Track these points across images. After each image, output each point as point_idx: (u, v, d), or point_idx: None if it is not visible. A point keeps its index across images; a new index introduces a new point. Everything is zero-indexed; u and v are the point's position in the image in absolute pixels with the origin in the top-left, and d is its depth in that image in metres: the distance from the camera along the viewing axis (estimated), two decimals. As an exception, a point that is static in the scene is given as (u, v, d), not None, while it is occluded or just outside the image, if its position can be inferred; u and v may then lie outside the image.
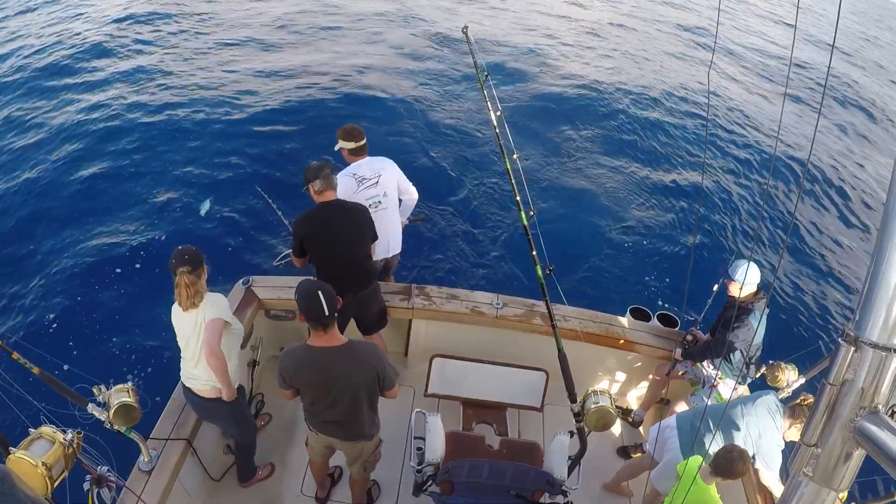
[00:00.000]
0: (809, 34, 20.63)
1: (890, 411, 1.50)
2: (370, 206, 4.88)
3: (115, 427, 3.45)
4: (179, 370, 4.14)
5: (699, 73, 16.46)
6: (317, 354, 3.41)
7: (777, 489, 4.12)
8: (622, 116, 13.05)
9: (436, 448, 3.94)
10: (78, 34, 13.62)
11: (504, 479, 3.70)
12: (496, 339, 5.30)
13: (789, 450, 3.79)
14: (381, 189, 5.08)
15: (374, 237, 4.73)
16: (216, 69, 12.81)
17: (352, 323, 4.94)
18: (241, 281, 5.23)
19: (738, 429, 4.06)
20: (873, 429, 1.47)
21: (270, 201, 6.12)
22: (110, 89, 11.48)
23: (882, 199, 11.17)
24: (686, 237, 9.62)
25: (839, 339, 1.52)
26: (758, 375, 4.73)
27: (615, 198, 10.29)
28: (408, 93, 13.09)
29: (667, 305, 8.09)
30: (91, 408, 3.41)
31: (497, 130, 4.29)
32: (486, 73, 4.41)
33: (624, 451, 5.26)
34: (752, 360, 4.72)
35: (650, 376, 5.41)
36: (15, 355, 3.30)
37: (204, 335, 3.74)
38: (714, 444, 4.06)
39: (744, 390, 5.03)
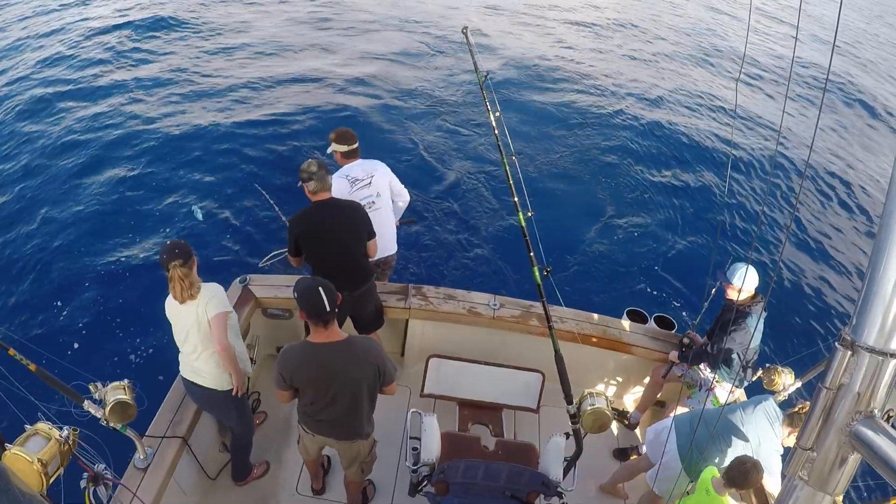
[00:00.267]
0: (810, 33, 20.67)
1: (885, 416, 1.50)
2: (364, 206, 4.89)
3: (111, 424, 3.44)
4: (177, 367, 4.14)
5: (700, 74, 16.46)
6: (317, 350, 3.40)
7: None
8: (621, 119, 13.05)
9: (431, 448, 3.94)
10: (76, 44, 13.58)
11: (499, 481, 3.70)
12: (493, 339, 5.30)
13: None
14: (374, 189, 5.09)
15: (371, 234, 4.73)
16: (215, 75, 12.78)
17: (348, 322, 4.94)
18: (238, 279, 5.22)
19: (737, 434, 4.05)
20: (869, 433, 1.47)
21: (269, 197, 6.12)
22: (109, 97, 11.44)
23: (880, 203, 11.20)
24: (687, 238, 9.63)
25: (836, 344, 1.52)
26: (754, 378, 4.73)
27: (614, 199, 10.29)
28: (406, 94, 13.11)
29: (670, 305, 8.12)
30: (87, 405, 3.40)
31: (496, 131, 4.30)
32: (485, 74, 4.41)
33: (620, 453, 5.26)
34: (749, 364, 4.72)
35: (646, 379, 5.41)
36: (11, 351, 3.29)
37: (213, 332, 3.78)
38: (714, 449, 4.07)
39: (740, 394, 5.03)
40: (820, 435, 1.56)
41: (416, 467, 3.92)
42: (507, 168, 4.17)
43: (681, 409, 4.98)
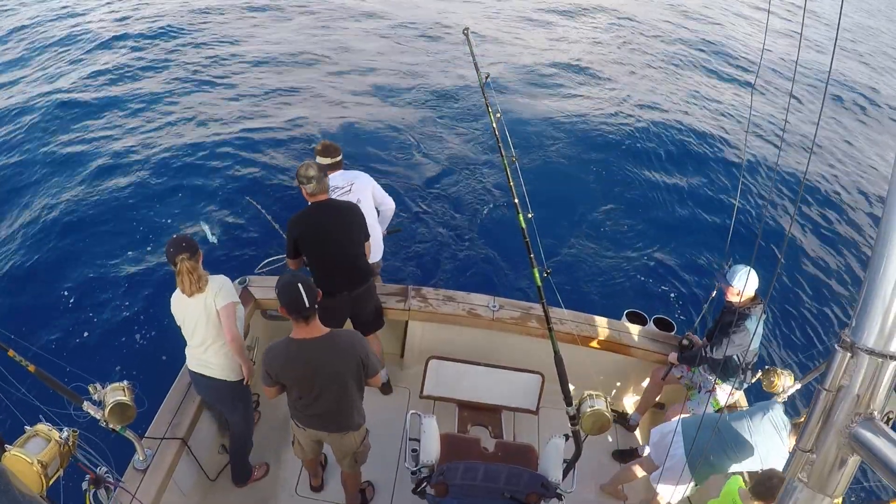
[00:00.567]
0: (810, 33, 20.68)
1: (885, 418, 1.50)
2: None
3: (111, 425, 3.44)
4: (177, 368, 4.14)
5: (703, 76, 16.47)
6: (299, 346, 3.44)
7: None
8: (622, 119, 13.05)
9: (431, 450, 3.94)
10: (75, 57, 13.59)
11: (498, 482, 3.70)
12: (492, 341, 5.30)
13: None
14: (355, 196, 5.09)
15: (367, 236, 4.75)
16: (213, 87, 12.79)
17: (348, 323, 4.94)
18: (237, 281, 5.23)
19: (745, 443, 4.06)
20: (868, 435, 1.47)
21: (261, 209, 6.15)
22: (110, 107, 11.47)
23: (880, 204, 11.21)
24: (686, 239, 9.64)
25: (835, 345, 1.52)
26: (753, 381, 4.73)
27: (614, 201, 10.30)
28: (407, 96, 13.13)
29: (670, 307, 8.12)
30: (87, 406, 3.40)
31: (497, 133, 4.30)
32: (486, 76, 4.42)
33: (619, 455, 5.26)
34: (749, 366, 4.72)
35: (646, 380, 5.41)
36: (11, 353, 3.29)
37: (223, 323, 3.86)
38: (723, 457, 4.07)
39: (740, 396, 5.03)
40: (819, 437, 1.56)
41: (415, 469, 3.92)
42: (508, 169, 4.17)
43: (680, 411, 4.99)
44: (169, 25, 15.46)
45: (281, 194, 9.14)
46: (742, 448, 4.06)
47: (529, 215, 4.08)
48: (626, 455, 5.22)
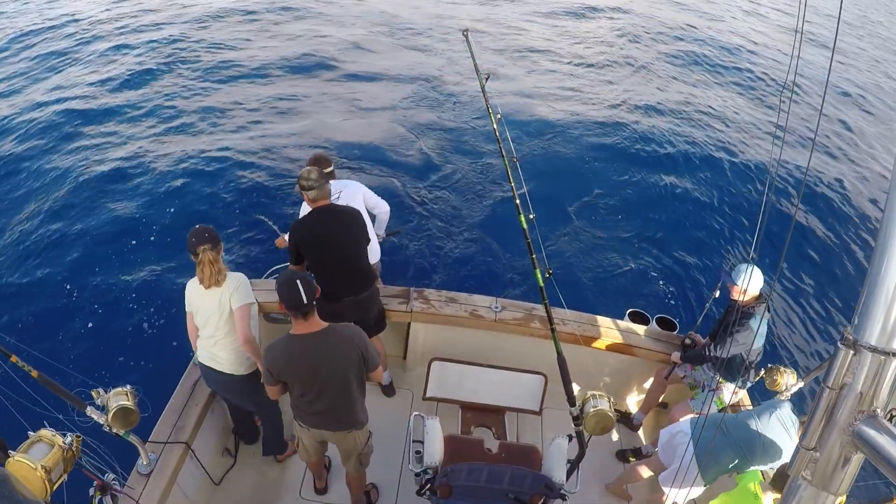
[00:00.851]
0: (809, 32, 20.66)
1: (889, 415, 1.50)
2: None
3: (114, 430, 3.45)
4: (180, 372, 4.15)
5: (703, 77, 16.45)
6: (300, 342, 3.46)
7: None
8: (622, 120, 13.05)
9: (434, 451, 3.93)
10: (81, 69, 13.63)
11: (502, 483, 3.69)
12: (495, 342, 5.30)
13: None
14: (344, 202, 5.10)
15: (368, 240, 4.76)
16: (213, 101, 12.81)
17: None
18: None
19: (754, 443, 4.06)
20: (872, 433, 1.47)
21: (268, 221, 6.15)
22: (112, 116, 11.49)
23: (881, 203, 11.19)
24: (688, 239, 9.63)
25: (838, 343, 1.52)
26: (756, 379, 4.73)
27: (616, 201, 10.29)
28: (407, 96, 13.14)
29: (672, 306, 8.11)
30: (90, 411, 3.41)
31: (497, 134, 4.31)
32: (486, 76, 4.43)
33: (622, 455, 5.25)
34: (752, 365, 4.71)
35: (649, 380, 5.41)
36: (14, 358, 3.30)
37: (237, 324, 3.90)
38: (733, 456, 4.06)
39: (743, 395, 5.03)
40: (823, 435, 1.56)
41: (419, 470, 3.92)
42: (509, 170, 4.17)
43: (684, 410, 4.98)
44: (172, 34, 15.48)
45: (289, 200, 9.14)
46: (751, 447, 4.06)
47: (531, 216, 4.09)
48: (629, 455, 5.22)
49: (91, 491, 3.20)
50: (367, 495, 4.56)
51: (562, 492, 3.77)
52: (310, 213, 4.53)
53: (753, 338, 4.50)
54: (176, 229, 8.41)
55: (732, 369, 4.75)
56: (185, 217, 8.65)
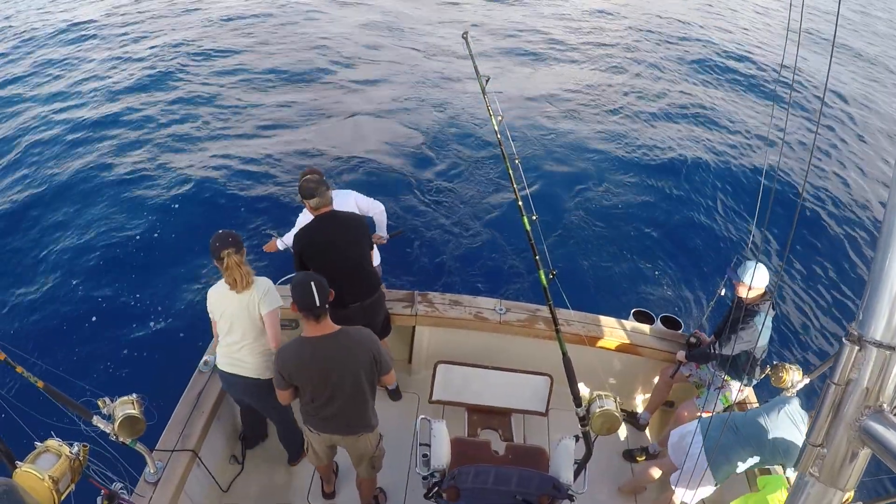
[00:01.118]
0: (808, 31, 20.62)
1: (894, 410, 1.50)
2: None
3: (121, 439, 3.45)
4: (185, 380, 4.14)
5: (704, 76, 16.43)
6: (312, 344, 3.46)
7: None
8: (624, 120, 13.06)
9: (441, 454, 3.93)
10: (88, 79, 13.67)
11: (510, 485, 3.69)
12: (500, 344, 5.30)
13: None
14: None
15: (371, 246, 4.76)
16: (219, 99, 12.85)
17: None
18: None
19: (764, 440, 4.05)
20: (878, 428, 1.47)
21: (276, 235, 6.17)
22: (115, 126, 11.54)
23: (884, 198, 11.15)
24: (691, 238, 9.62)
25: (843, 339, 1.52)
26: (762, 376, 4.72)
27: (618, 201, 10.28)
28: (408, 98, 13.15)
29: (677, 305, 8.10)
30: (96, 420, 3.42)
31: (499, 135, 4.31)
32: (486, 79, 4.42)
33: (629, 455, 5.25)
34: (758, 362, 4.70)
35: (655, 379, 5.40)
36: (19, 369, 3.30)
37: (268, 329, 3.92)
38: (743, 454, 4.06)
39: (749, 392, 5.01)
40: (829, 431, 1.56)
41: (426, 474, 3.92)
42: (511, 171, 4.17)
43: (689, 409, 4.97)
44: (182, 41, 15.54)
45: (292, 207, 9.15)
46: (760, 444, 4.05)
47: (534, 217, 4.08)
48: (636, 454, 5.21)
49: (98, 500, 3.20)
50: (375, 499, 4.56)
51: (569, 492, 3.77)
52: (312, 221, 4.53)
53: (759, 335, 4.49)
54: (181, 237, 8.43)
55: (738, 367, 4.74)
56: (191, 225, 8.68)
